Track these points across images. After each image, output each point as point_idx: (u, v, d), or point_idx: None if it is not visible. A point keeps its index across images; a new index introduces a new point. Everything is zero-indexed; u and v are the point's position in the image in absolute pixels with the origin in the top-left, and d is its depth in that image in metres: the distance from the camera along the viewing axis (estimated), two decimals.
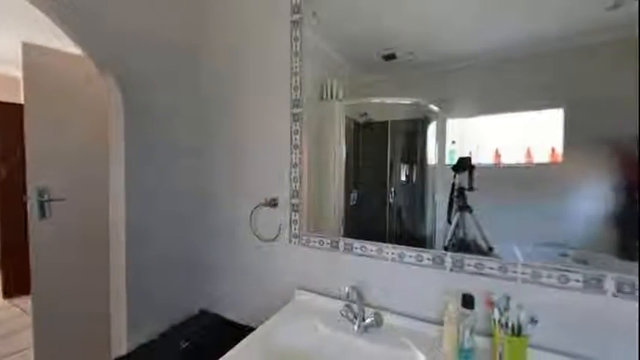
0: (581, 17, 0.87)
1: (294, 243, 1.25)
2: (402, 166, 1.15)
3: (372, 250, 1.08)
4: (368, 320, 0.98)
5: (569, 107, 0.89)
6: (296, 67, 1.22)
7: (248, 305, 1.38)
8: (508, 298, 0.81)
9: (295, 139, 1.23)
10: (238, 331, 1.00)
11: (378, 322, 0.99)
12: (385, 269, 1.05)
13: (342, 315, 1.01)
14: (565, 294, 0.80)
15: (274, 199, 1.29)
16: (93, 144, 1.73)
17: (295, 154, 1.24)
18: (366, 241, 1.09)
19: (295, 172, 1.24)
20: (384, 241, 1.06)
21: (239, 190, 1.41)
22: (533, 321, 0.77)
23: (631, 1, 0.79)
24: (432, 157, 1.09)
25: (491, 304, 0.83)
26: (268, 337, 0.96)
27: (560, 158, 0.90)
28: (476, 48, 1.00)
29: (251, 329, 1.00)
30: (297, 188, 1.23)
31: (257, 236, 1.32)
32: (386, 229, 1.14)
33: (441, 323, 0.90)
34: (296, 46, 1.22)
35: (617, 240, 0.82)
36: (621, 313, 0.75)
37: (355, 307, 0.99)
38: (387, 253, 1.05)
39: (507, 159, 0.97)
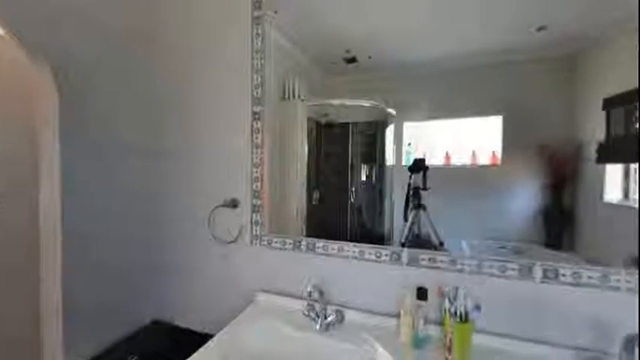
0: (515, 36, 0.98)
1: (256, 244, 1.22)
2: (362, 166, 1.19)
3: (333, 249, 1.10)
4: (330, 318, 0.99)
5: (507, 115, 1.00)
6: (257, 65, 1.20)
7: (207, 311, 1.32)
8: (457, 289, 0.88)
9: (256, 137, 1.21)
10: (196, 340, 0.95)
11: (340, 319, 1.01)
12: (346, 267, 1.08)
13: (305, 314, 1.01)
14: (504, 282, 0.90)
15: (234, 200, 1.25)
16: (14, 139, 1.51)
17: (256, 153, 1.21)
18: (328, 240, 1.11)
19: (256, 172, 1.21)
20: (346, 240, 1.09)
21: (196, 191, 1.34)
22: (477, 308, 0.85)
23: (553, 25, 0.92)
24: (390, 158, 1.14)
25: (442, 294, 0.90)
26: (229, 342, 0.93)
27: (499, 161, 1.00)
28: (429, 57, 1.07)
29: (210, 336, 0.95)
30: (259, 188, 1.21)
31: (216, 238, 1.26)
32: (347, 227, 1.17)
33: (399, 316, 0.94)
34: (257, 43, 1.19)
35: (544, 232, 0.94)
36: (548, 297, 0.86)
37: (317, 305, 1.00)
38: (349, 251, 1.08)
39: (456, 161, 1.06)
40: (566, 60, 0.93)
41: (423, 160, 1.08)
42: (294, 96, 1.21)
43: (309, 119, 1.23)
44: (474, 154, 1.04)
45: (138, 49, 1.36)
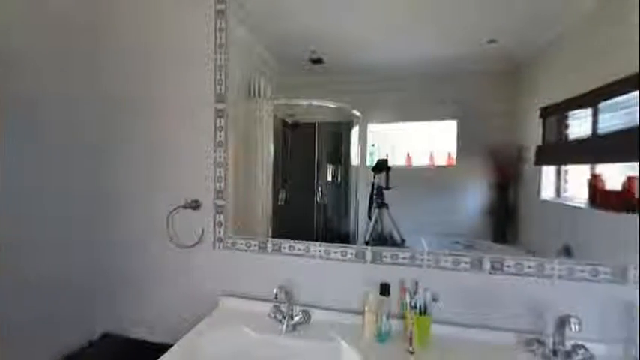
0: (469, 47, 1.06)
1: (219, 247, 1.17)
2: (328, 166, 1.21)
3: (300, 249, 1.10)
4: (296, 318, 0.99)
5: (461, 119, 1.07)
6: (221, 60, 1.15)
7: (165, 320, 1.24)
8: (416, 283, 0.93)
9: (220, 136, 1.16)
10: (153, 351, 0.88)
11: (307, 318, 1.01)
12: (313, 267, 1.08)
13: (271, 316, 1.00)
14: (457, 274, 0.97)
15: (196, 201, 1.19)
16: None
17: (220, 152, 1.16)
18: (294, 241, 1.10)
19: (220, 172, 1.17)
20: (312, 240, 1.09)
21: (153, 192, 1.25)
22: (435, 299, 0.91)
23: (501, 39, 1.01)
24: (355, 159, 1.17)
25: (405, 289, 0.94)
26: (190, 350, 0.88)
27: (454, 162, 1.08)
28: (392, 62, 1.12)
29: (169, 346, 0.90)
30: (222, 189, 1.17)
31: (175, 242, 1.19)
32: (313, 227, 1.18)
33: (364, 312, 0.97)
34: (221, 38, 1.15)
35: (492, 228, 1.03)
36: (495, 286, 0.94)
37: (284, 306, 1.00)
38: (315, 250, 1.08)
39: (416, 161, 1.12)
40: (511, 71, 1.03)
41: (385, 161, 1.13)
42: (259, 94, 1.19)
43: (275, 118, 1.21)
44: (432, 155, 1.11)
45: (84, 42, 1.24)
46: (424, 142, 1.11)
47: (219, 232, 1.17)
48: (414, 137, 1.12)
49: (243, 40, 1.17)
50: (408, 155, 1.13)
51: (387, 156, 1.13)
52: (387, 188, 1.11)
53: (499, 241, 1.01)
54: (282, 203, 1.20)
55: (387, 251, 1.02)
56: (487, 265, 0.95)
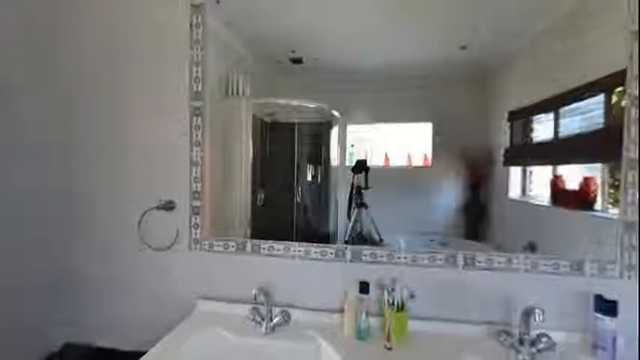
0: (443, 52, 1.10)
1: (195, 249, 1.14)
2: (308, 166, 1.21)
3: (279, 250, 1.09)
4: (276, 320, 0.98)
5: (435, 122, 1.12)
6: (197, 57, 1.12)
7: (137, 327, 1.18)
8: (394, 280, 0.95)
9: (196, 135, 1.13)
10: None
11: (286, 319, 1.00)
12: (292, 267, 1.08)
13: (250, 319, 0.98)
14: (433, 271, 1.00)
15: (171, 202, 1.14)
16: None
17: (196, 151, 1.13)
18: (274, 241, 1.09)
19: (196, 172, 1.13)
20: (292, 240, 1.09)
21: (123, 192, 1.19)
22: (412, 296, 0.93)
23: (472, 46, 1.06)
24: (334, 159, 1.18)
25: (383, 287, 0.96)
26: (165, 357, 0.85)
27: (430, 163, 1.12)
28: (370, 64, 1.14)
29: (142, 354, 0.85)
30: (199, 189, 1.13)
31: (148, 245, 1.14)
32: (293, 227, 1.18)
33: (343, 311, 0.98)
34: (197, 34, 1.11)
35: (465, 225, 1.08)
36: (468, 281, 0.99)
37: (263, 308, 0.98)
38: (294, 251, 1.08)
39: (394, 162, 1.14)
40: (482, 77, 1.08)
41: (364, 162, 1.15)
42: (238, 93, 1.16)
43: (254, 117, 1.19)
44: (409, 156, 1.14)
45: (44, 32, 1.16)
46: (401, 143, 1.14)
47: (196, 233, 1.14)
48: (392, 138, 1.15)
49: (221, 37, 1.14)
50: (386, 156, 1.15)
51: (366, 156, 1.15)
52: (366, 188, 1.13)
53: (471, 239, 1.06)
54: (262, 204, 1.19)
55: (365, 250, 1.04)
56: (460, 261, 0.99)
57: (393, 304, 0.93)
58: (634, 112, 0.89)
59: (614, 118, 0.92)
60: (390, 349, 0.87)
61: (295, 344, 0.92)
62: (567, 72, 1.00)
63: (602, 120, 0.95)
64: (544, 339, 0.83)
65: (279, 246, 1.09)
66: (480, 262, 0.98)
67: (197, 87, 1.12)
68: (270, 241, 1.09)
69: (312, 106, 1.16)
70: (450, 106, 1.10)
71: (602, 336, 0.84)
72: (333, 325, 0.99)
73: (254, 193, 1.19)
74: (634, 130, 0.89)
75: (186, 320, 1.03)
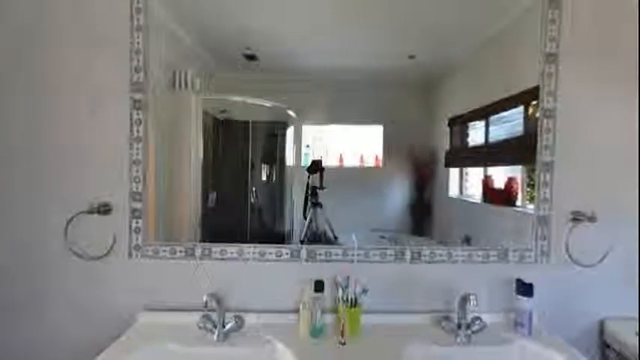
0: (393, 59, 1.17)
1: (136, 256, 1.04)
2: (263, 166, 1.18)
3: (232, 253, 1.05)
4: (229, 325, 0.94)
5: (386, 125, 1.18)
6: (138, 44, 1.02)
7: (65, 346, 1.03)
8: (348, 277, 0.99)
9: (137, 130, 1.02)
10: None
11: (240, 324, 0.97)
12: (247, 270, 1.05)
13: (200, 327, 0.93)
14: (384, 266, 1.06)
15: (106, 205, 1.02)
16: None
17: (137, 148, 1.03)
18: (227, 244, 1.05)
19: (137, 171, 1.03)
20: (246, 242, 1.06)
21: (47, 194, 1.03)
22: (364, 291, 0.97)
23: (421, 54, 1.14)
24: (290, 159, 1.18)
25: (337, 284, 0.98)
26: None
27: (381, 163, 1.18)
28: (326, 65, 1.16)
29: None
30: (141, 190, 1.03)
31: (77, 253, 1.00)
32: (247, 229, 1.14)
33: (299, 311, 0.98)
34: (138, 20, 1.01)
35: (412, 222, 1.16)
36: (415, 274, 1.06)
37: (214, 315, 0.94)
38: (249, 253, 1.05)
39: (348, 162, 1.18)
40: (427, 85, 1.17)
41: (319, 162, 1.16)
42: (186, 86, 1.08)
43: (205, 114, 1.12)
44: (361, 157, 1.19)
45: None
46: (355, 144, 1.18)
47: (137, 238, 1.03)
48: (346, 139, 1.18)
49: (167, 25, 1.05)
50: (340, 156, 1.18)
51: (321, 157, 1.16)
52: (321, 188, 1.15)
53: (418, 234, 1.14)
54: (213, 204, 1.13)
55: (320, 249, 1.06)
56: (408, 256, 1.06)
57: (347, 300, 0.96)
58: (545, 122, 1.05)
59: (530, 127, 1.07)
60: (343, 344, 0.90)
61: (249, 349, 0.89)
62: (495, 85, 1.14)
63: (521, 128, 1.10)
64: (477, 321, 0.94)
65: (233, 249, 1.05)
66: (424, 256, 1.06)
67: (138, 77, 1.02)
68: (223, 244, 1.05)
69: (268, 104, 1.14)
70: (400, 110, 1.17)
71: (521, 314, 0.98)
72: (289, 325, 0.99)
73: (205, 193, 1.12)
74: (546, 137, 1.05)
75: (126, 335, 0.93)
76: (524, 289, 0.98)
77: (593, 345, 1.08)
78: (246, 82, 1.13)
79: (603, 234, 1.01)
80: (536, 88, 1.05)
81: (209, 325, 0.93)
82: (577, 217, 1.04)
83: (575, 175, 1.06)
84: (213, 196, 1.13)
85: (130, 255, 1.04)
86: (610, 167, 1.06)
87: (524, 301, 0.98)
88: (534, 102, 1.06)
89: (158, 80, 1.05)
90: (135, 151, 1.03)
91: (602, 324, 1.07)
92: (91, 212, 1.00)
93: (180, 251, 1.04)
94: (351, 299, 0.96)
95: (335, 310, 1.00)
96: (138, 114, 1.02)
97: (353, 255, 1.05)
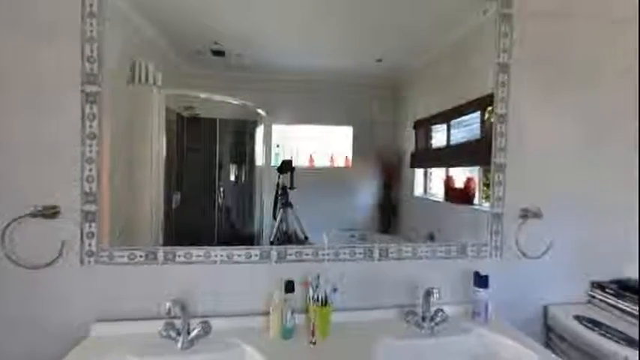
0: (362, 62, 1.19)
1: (89, 263, 0.95)
2: (231, 166, 1.15)
3: (198, 256, 1.00)
4: (194, 332, 0.90)
5: (355, 126, 1.20)
6: (91, 33, 0.93)
7: None
8: (318, 276, 0.99)
9: (90, 126, 0.94)
10: None
11: (207, 330, 0.93)
12: (214, 273, 1.01)
13: (162, 336, 0.88)
14: (354, 264, 1.08)
15: (53, 207, 0.92)
16: None
17: (91, 145, 0.94)
18: (192, 247, 1.00)
19: (91, 170, 0.94)
20: (213, 244, 1.02)
21: None
22: (334, 290, 0.99)
23: (387, 58, 1.18)
24: (260, 159, 1.15)
25: (307, 284, 0.98)
26: None
27: (350, 164, 1.20)
28: (296, 66, 1.15)
29: None
30: (94, 190, 0.95)
31: (17, 261, 0.90)
32: (215, 230, 1.10)
33: (269, 312, 0.96)
34: (91, 5, 0.93)
35: (380, 221, 1.20)
36: (383, 271, 1.10)
37: (178, 322, 0.89)
38: (216, 255, 1.01)
39: (318, 162, 1.19)
40: (394, 88, 1.22)
41: (290, 162, 1.15)
42: (147, 80, 1.02)
43: (168, 110, 1.06)
44: (332, 157, 1.20)
45: None
46: (325, 145, 1.19)
47: (90, 244, 0.95)
48: (317, 139, 1.19)
49: (127, 14, 0.98)
50: (311, 157, 1.18)
51: (292, 157, 1.16)
52: (292, 188, 1.14)
53: (385, 232, 1.18)
54: (178, 206, 1.07)
55: (291, 249, 1.05)
56: (376, 253, 1.10)
57: (318, 299, 0.96)
58: (499, 127, 1.14)
59: (486, 131, 1.16)
60: (314, 343, 0.90)
61: (216, 355, 0.86)
62: (456, 91, 1.21)
63: (478, 132, 1.19)
64: (440, 313, 0.99)
65: (199, 252, 1.00)
66: (392, 253, 1.10)
67: (91, 68, 0.94)
68: (188, 247, 1.00)
69: (236, 102, 1.11)
70: (368, 113, 1.20)
71: (479, 304, 1.05)
72: (259, 328, 0.97)
73: (169, 194, 1.06)
74: (499, 140, 1.14)
75: (77, 349, 0.85)
76: (481, 281, 1.06)
77: (539, 328, 1.19)
78: (214, 78, 1.09)
79: (547, 229, 1.12)
80: (491, 96, 1.13)
81: (172, 333, 0.88)
82: (525, 214, 1.15)
83: (523, 175, 1.16)
84: (177, 196, 1.07)
85: (81, 262, 0.95)
86: (553, 167, 1.18)
87: (481, 292, 1.05)
88: (489, 108, 1.14)
89: (115, 72, 0.97)
90: (88, 148, 0.94)
91: (545, 309, 1.19)
92: (34, 216, 0.90)
93: (141, 256, 0.97)
94: (322, 298, 0.97)
95: (306, 310, 1.00)
96: (91, 108, 0.94)
97: (323, 254, 1.06)
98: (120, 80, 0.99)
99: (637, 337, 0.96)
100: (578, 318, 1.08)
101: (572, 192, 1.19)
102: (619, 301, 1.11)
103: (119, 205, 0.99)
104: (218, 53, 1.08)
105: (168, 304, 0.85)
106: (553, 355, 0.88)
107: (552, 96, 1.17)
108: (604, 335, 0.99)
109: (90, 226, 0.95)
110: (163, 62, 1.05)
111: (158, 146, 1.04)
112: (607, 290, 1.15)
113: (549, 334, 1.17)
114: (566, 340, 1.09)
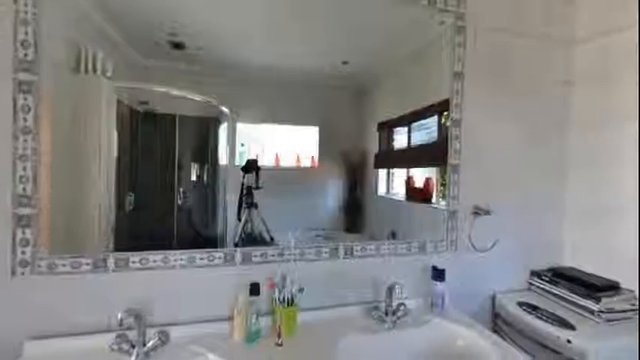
0: (328, 63, 1.21)
1: (23, 274, 0.84)
2: (192, 165, 1.09)
3: (155, 261, 0.94)
4: (150, 343, 0.84)
5: (321, 126, 1.21)
6: (25, 13, 0.83)
7: None
8: (284, 277, 0.98)
9: (25, 119, 0.83)
10: None
11: (164, 340, 0.87)
12: (173, 278, 0.95)
13: (113, 349, 0.81)
14: (319, 264, 1.09)
15: None
16: None
17: (25, 141, 0.83)
18: (148, 252, 0.93)
19: (25, 169, 0.84)
20: (172, 248, 0.96)
21: None
22: (301, 290, 0.98)
23: (353, 61, 1.21)
24: (223, 158, 1.11)
25: (273, 285, 0.97)
26: None
27: (317, 164, 1.21)
28: (261, 63, 1.13)
29: None
30: (30, 192, 0.84)
31: None
32: (174, 233, 1.03)
33: (233, 317, 0.93)
34: None
35: (345, 220, 1.22)
36: (348, 269, 1.12)
37: (133, 333, 0.82)
38: (175, 260, 0.95)
39: (284, 162, 1.18)
40: (358, 90, 1.25)
41: (255, 161, 1.13)
42: (95, 71, 0.92)
43: (120, 104, 0.97)
44: (298, 157, 1.20)
45: None
46: (291, 144, 1.18)
47: (25, 252, 0.84)
48: (283, 139, 1.17)
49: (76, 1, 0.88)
50: (277, 156, 1.17)
51: (257, 156, 1.13)
52: (257, 188, 1.12)
53: (351, 231, 1.21)
54: (132, 208, 0.99)
55: (256, 251, 1.03)
56: (342, 252, 1.12)
57: (284, 300, 0.95)
58: (454, 130, 1.22)
59: (443, 134, 1.24)
60: (280, 345, 0.89)
61: None
62: (417, 95, 1.28)
63: (436, 135, 1.27)
64: (402, 307, 1.04)
65: (156, 256, 0.94)
66: (356, 251, 1.13)
67: (25, 54, 0.83)
68: (143, 252, 0.93)
69: (198, 98, 1.05)
70: (334, 114, 1.22)
71: (436, 296, 1.12)
72: (222, 333, 0.93)
73: (121, 195, 0.97)
74: (454, 143, 1.23)
75: None
76: (438, 274, 1.13)
77: (488, 315, 1.31)
78: (172, 72, 1.03)
79: (495, 224, 1.23)
80: (447, 101, 1.21)
81: (125, 346, 0.81)
82: (476, 211, 1.25)
83: (475, 175, 1.26)
84: (131, 198, 0.99)
85: (13, 273, 0.84)
86: (499, 168, 1.30)
87: (438, 285, 1.12)
88: (446, 112, 1.22)
89: (58, 60, 0.87)
90: (21, 145, 0.83)
91: (493, 298, 1.31)
92: None
93: (87, 264, 0.88)
94: (288, 299, 0.96)
95: (272, 312, 0.98)
96: (25, 99, 0.83)
97: (289, 254, 1.05)
98: (63, 69, 0.89)
99: (567, 318, 1.09)
100: (520, 304, 1.20)
101: (515, 189, 1.32)
102: (552, 287, 1.25)
103: (63, 207, 0.89)
104: (178, 46, 1.02)
105: (120, 315, 0.78)
106: (499, 339, 0.97)
107: (499, 102, 1.29)
108: (540, 318, 1.11)
109: (24, 233, 0.84)
110: (116, 52, 0.96)
111: (107, 143, 0.95)
112: (543, 278, 1.30)
113: (496, 320, 1.29)
114: (510, 325, 1.20)
